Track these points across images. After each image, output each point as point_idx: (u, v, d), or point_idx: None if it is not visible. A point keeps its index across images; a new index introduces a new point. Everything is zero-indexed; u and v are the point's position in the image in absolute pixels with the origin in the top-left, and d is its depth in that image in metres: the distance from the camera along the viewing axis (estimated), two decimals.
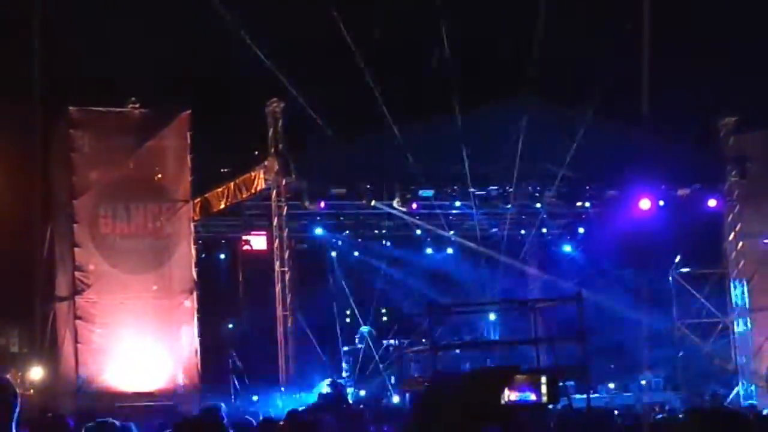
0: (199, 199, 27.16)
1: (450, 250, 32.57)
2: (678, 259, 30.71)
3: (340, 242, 31.21)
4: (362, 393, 28.59)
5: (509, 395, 6.37)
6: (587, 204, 30.05)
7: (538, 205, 29.64)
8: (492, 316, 30.88)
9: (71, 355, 25.82)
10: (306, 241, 30.36)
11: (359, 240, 31.49)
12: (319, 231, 30.14)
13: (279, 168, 25.55)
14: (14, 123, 26.68)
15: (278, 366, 25.78)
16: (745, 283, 28.89)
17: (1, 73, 26.56)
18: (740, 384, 28.73)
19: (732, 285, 29.33)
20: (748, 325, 28.82)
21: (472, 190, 28.35)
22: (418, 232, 31.00)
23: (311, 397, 27.40)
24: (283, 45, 27.22)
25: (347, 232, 30.78)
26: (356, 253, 31.83)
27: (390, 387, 28.01)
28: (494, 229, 31.69)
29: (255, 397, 28.08)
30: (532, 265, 32.60)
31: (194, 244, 26.83)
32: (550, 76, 27.93)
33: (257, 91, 26.38)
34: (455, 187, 28.13)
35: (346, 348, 30.27)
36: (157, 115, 26.36)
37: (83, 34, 27.46)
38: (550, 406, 6.57)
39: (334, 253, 31.72)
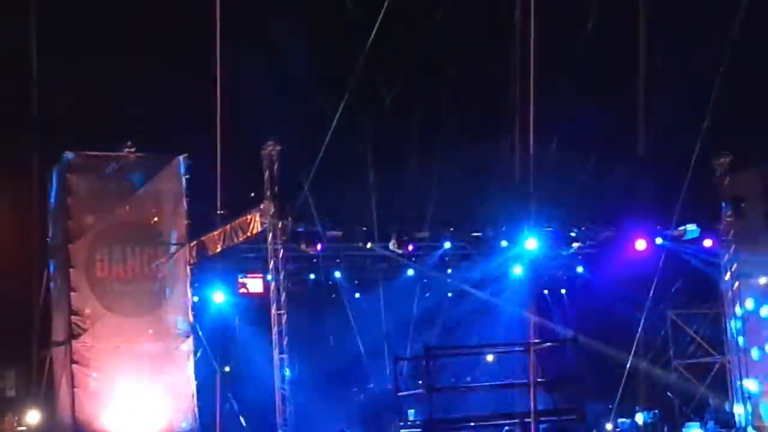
0: (195, 243, 27.16)
1: (449, 294, 32.60)
2: (674, 298, 30.73)
3: (336, 285, 31.20)
4: None
5: None
6: (583, 244, 30.01)
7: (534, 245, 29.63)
8: (489, 358, 30.81)
9: (68, 399, 25.80)
10: (302, 283, 30.35)
11: (356, 282, 31.52)
12: (313, 276, 30.21)
13: (275, 211, 25.54)
14: (12, 168, 26.81)
15: (275, 409, 25.68)
16: (741, 323, 28.84)
17: None
18: (737, 423, 28.64)
19: (728, 324, 29.29)
20: (745, 364, 28.75)
21: (468, 231, 28.43)
22: (412, 273, 31.05)
23: None
24: (280, 89, 27.42)
25: (343, 274, 30.79)
26: (357, 295, 31.80)
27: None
28: (489, 270, 31.71)
29: None
30: (527, 306, 32.58)
31: (190, 288, 26.85)
32: (543, 118, 28.12)
33: (253, 134, 26.48)
34: (450, 229, 28.19)
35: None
36: (153, 158, 26.47)
37: (80, 79, 27.60)
38: None
39: (333, 295, 31.73)
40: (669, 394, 30.90)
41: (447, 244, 28.52)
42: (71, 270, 25.63)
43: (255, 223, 25.97)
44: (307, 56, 27.57)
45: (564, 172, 27.67)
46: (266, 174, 25.55)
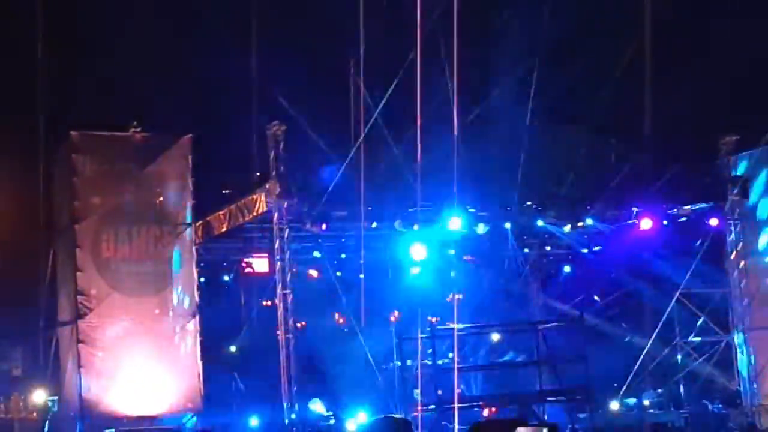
0: (200, 222, 27.19)
1: (453, 273, 32.58)
2: (680, 278, 30.71)
3: (342, 264, 31.18)
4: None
5: None
6: (588, 223, 30.01)
7: (540, 224, 29.64)
8: (495, 337, 30.83)
9: (74, 378, 25.86)
10: (308, 263, 30.37)
11: (361, 262, 31.45)
12: (319, 254, 30.22)
13: (280, 191, 25.57)
14: (17, 148, 26.80)
15: (281, 388, 25.74)
16: (747, 302, 28.86)
17: (4, 98, 26.67)
18: (743, 403, 28.68)
19: (734, 304, 29.30)
20: (750, 343, 28.79)
21: (473, 210, 28.39)
22: (419, 253, 31.01)
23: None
24: (285, 67, 27.34)
25: (349, 254, 30.77)
26: (361, 276, 31.76)
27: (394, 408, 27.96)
28: (496, 250, 31.73)
29: (255, 420, 28.05)
30: (533, 285, 32.63)
31: (196, 267, 26.87)
32: (552, 96, 28.08)
33: (258, 113, 26.48)
34: (456, 208, 28.13)
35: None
36: (159, 139, 26.43)
37: (85, 58, 27.58)
38: None
39: (338, 273, 31.70)
40: (675, 373, 30.88)
41: (456, 223, 28.45)
42: (77, 250, 25.62)
43: (260, 202, 25.98)
44: (313, 34, 27.47)
45: (569, 150, 27.64)
46: (271, 153, 25.56)
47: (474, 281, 32.16)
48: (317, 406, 27.72)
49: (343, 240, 29.60)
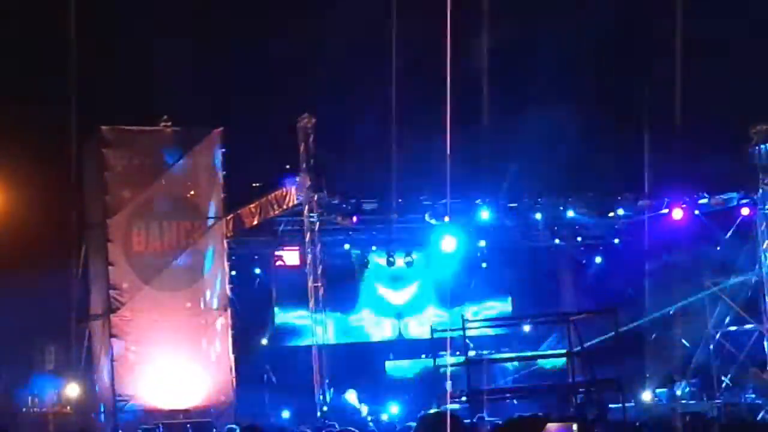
0: (231, 216, 27.23)
1: (484, 265, 32.51)
2: (712, 267, 30.55)
3: (373, 256, 31.19)
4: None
5: None
6: (620, 213, 29.90)
7: (570, 215, 29.55)
8: (527, 329, 30.76)
9: (106, 372, 25.98)
10: (339, 255, 30.37)
11: (392, 253, 31.46)
12: (350, 247, 30.25)
13: (311, 184, 25.59)
14: (48, 143, 26.87)
15: (312, 381, 25.77)
16: None
17: (35, 93, 26.75)
18: None
19: (767, 293, 29.13)
20: None
21: (503, 201, 28.34)
22: (450, 244, 30.96)
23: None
24: (315, 61, 27.35)
25: (379, 246, 30.77)
26: (390, 267, 31.75)
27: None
28: (526, 241, 31.67)
29: (287, 413, 28.11)
30: (564, 276, 32.52)
31: (227, 261, 26.92)
32: (581, 87, 27.98)
33: (288, 107, 26.48)
34: (487, 200, 28.10)
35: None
36: (189, 133, 26.50)
37: (116, 53, 27.63)
38: None
39: (367, 269, 31.71)
40: (707, 363, 30.72)
41: (485, 214, 28.39)
42: (109, 244, 25.73)
43: (291, 196, 26.01)
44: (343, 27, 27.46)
45: (600, 140, 27.54)
46: (302, 146, 25.59)
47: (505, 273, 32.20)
48: (352, 397, 27.74)
49: (374, 233, 29.59)
